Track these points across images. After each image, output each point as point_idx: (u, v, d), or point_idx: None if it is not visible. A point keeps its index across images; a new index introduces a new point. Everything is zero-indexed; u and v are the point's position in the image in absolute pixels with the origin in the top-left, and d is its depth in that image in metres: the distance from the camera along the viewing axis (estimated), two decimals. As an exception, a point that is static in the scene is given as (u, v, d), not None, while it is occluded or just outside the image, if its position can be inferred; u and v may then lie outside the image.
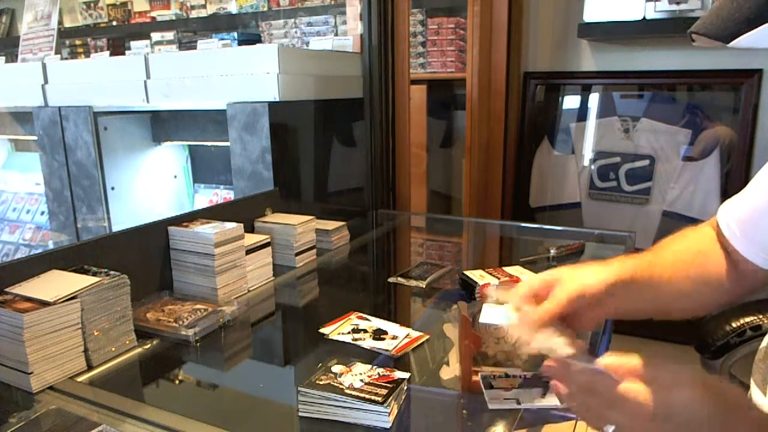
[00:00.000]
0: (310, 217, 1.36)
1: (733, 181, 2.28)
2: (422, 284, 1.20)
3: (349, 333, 0.94)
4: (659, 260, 0.76)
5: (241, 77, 1.52)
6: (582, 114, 2.58)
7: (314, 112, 1.64)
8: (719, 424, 0.53)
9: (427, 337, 0.93)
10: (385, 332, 0.93)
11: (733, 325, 0.88)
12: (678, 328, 2.25)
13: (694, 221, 0.80)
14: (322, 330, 0.96)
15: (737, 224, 0.76)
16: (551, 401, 0.73)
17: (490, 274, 1.11)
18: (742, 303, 1.08)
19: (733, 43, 0.50)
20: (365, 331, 0.94)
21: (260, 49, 1.54)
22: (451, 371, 0.81)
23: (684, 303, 0.76)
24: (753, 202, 0.75)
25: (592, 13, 2.30)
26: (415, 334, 0.93)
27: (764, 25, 0.48)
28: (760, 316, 0.90)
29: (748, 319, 0.88)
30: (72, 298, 0.82)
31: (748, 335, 0.89)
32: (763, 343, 0.75)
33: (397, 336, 0.92)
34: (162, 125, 1.94)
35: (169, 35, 3.26)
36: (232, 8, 3.23)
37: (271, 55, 1.47)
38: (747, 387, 0.92)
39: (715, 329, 1.06)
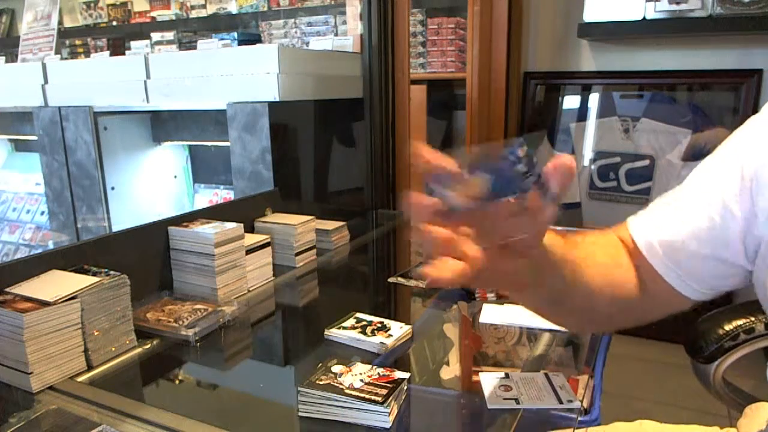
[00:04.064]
0: (310, 217, 1.36)
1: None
2: (422, 284, 1.19)
3: (351, 328, 0.94)
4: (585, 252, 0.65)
5: (241, 77, 1.52)
6: (582, 114, 2.58)
7: (314, 112, 1.64)
8: None
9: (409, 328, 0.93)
10: (389, 327, 0.94)
11: (726, 328, 0.87)
12: (677, 329, 2.27)
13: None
14: (327, 332, 0.95)
15: (661, 246, 0.66)
16: (551, 402, 0.73)
17: (490, 274, 1.11)
18: (733, 306, 1.03)
19: None
20: (369, 324, 0.95)
21: (260, 49, 1.54)
22: (451, 371, 0.81)
23: (599, 304, 0.66)
24: (684, 226, 0.64)
25: (592, 13, 2.30)
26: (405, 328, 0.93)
27: None
28: (753, 319, 0.89)
29: (740, 322, 0.87)
30: (72, 298, 0.82)
31: (742, 338, 0.88)
32: None
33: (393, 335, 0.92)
34: (162, 125, 1.94)
35: (169, 35, 3.27)
36: (232, 8, 3.24)
37: (271, 55, 1.47)
38: (742, 392, 0.92)
39: (708, 332, 1.03)
